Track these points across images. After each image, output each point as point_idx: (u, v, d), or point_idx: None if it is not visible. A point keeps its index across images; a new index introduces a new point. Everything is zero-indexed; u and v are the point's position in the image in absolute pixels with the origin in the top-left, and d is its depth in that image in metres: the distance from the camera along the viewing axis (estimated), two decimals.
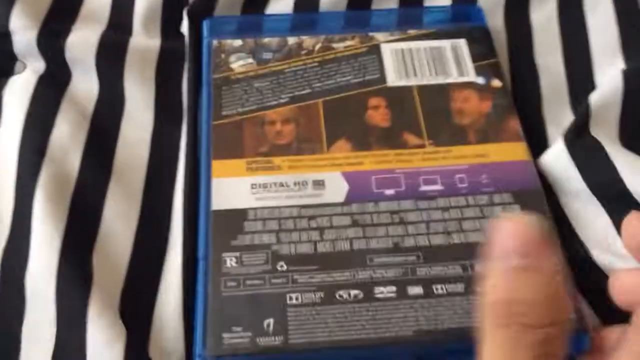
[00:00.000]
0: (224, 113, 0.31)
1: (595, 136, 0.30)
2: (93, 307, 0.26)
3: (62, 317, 0.26)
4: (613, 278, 0.23)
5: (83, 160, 0.30)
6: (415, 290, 0.26)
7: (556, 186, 0.30)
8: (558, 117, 0.33)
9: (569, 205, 0.30)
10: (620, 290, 0.22)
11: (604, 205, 0.29)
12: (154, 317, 0.27)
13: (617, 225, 0.28)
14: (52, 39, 0.34)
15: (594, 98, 0.31)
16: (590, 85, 0.34)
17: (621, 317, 0.22)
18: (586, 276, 0.28)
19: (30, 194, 0.28)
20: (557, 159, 0.30)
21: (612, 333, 0.23)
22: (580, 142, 0.30)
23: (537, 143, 0.32)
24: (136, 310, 0.27)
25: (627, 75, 0.32)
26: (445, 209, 0.28)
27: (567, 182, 0.30)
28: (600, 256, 0.28)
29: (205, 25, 0.35)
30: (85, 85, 0.33)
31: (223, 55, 0.33)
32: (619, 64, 0.34)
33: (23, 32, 0.34)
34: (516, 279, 0.17)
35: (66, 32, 0.34)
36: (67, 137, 0.30)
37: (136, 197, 0.30)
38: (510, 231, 0.18)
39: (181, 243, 0.29)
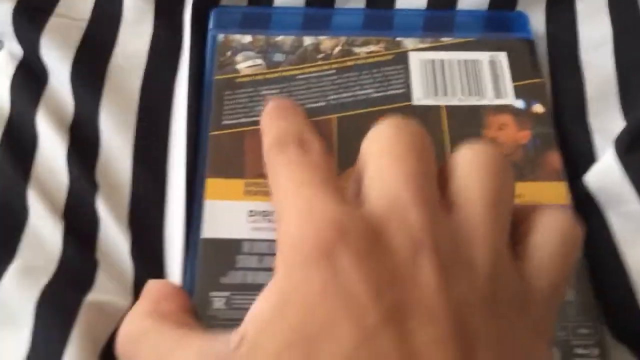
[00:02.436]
0: (224, 122, 0.27)
1: None
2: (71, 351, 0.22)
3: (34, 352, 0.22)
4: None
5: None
6: None
7: (605, 207, 0.26)
8: (606, 123, 0.29)
9: (619, 231, 0.26)
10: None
11: None
12: None
13: None
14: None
15: None
16: None
17: None
18: (629, 313, 0.24)
19: None
20: (608, 175, 0.26)
21: None
22: (636, 153, 0.26)
23: (582, 155, 0.28)
24: None
25: None
26: None
27: (619, 203, 0.26)
28: None
29: (213, 16, 0.31)
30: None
31: (229, 53, 0.29)
32: None
33: None
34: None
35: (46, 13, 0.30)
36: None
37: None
38: None
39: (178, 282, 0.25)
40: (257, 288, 0.24)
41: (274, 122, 0.23)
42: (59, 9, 0.31)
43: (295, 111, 0.24)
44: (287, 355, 0.15)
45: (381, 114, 0.28)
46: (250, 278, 0.24)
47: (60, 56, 0.29)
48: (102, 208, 0.26)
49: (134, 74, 0.29)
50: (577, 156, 0.28)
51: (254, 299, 0.23)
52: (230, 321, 0.23)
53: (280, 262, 0.18)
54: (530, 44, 0.30)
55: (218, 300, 0.24)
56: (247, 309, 0.23)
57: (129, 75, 0.29)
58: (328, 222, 0.17)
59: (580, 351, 0.23)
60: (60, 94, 0.28)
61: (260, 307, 0.18)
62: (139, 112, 0.28)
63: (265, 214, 0.25)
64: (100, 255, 0.25)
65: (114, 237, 0.25)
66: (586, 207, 0.26)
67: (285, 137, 0.22)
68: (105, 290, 0.24)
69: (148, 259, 0.25)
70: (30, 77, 0.29)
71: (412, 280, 0.17)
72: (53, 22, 0.30)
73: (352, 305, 0.16)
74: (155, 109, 0.29)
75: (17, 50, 0.29)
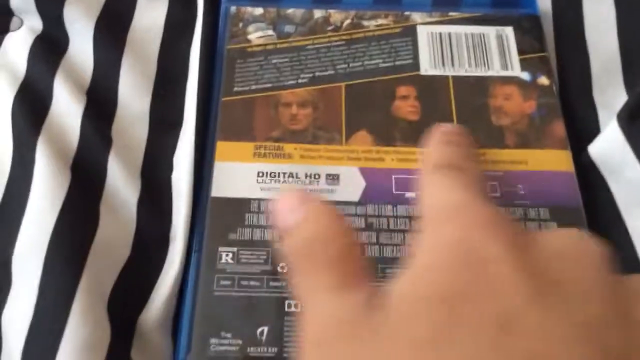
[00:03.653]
0: (235, 89, 0.28)
1: None
2: (79, 299, 0.22)
3: (42, 300, 0.23)
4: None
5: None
6: None
7: (608, 176, 0.27)
8: (610, 99, 0.29)
9: (622, 198, 0.26)
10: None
11: None
12: (140, 318, 0.24)
13: None
14: None
15: None
16: None
17: None
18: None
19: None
20: (611, 144, 0.26)
21: None
22: (638, 122, 0.26)
23: (588, 130, 0.28)
24: (124, 310, 0.24)
25: None
26: None
27: (621, 171, 0.26)
28: None
29: None
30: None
31: (241, 24, 0.30)
32: None
33: None
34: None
35: None
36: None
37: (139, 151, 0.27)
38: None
39: (183, 234, 0.25)
40: (264, 244, 0.24)
41: (437, 145, 0.23)
42: None
43: (459, 139, 0.23)
44: (435, 311, 0.15)
45: (388, 83, 0.28)
46: (258, 235, 0.25)
47: (83, 24, 0.30)
48: (112, 163, 0.26)
49: (152, 43, 0.30)
50: (583, 130, 0.28)
51: (260, 254, 0.24)
52: (237, 274, 0.24)
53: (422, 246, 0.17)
54: (536, 19, 0.31)
55: (226, 255, 0.24)
56: (253, 264, 0.24)
57: (147, 44, 0.30)
58: (479, 216, 0.17)
59: None
60: (80, 60, 0.29)
61: (405, 271, 0.17)
62: (157, 78, 0.29)
63: (273, 175, 0.26)
64: (103, 206, 0.25)
65: (121, 189, 0.26)
66: (590, 176, 0.27)
67: (445, 162, 0.21)
68: (107, 240, 0.24)
69: (153, 212, 0.26)
70: (49, 46, 0.29)
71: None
72: None
73: (496, 281, 0.15)
74: (171, 75, 0.29)
75: (37, 26, 0.30)
